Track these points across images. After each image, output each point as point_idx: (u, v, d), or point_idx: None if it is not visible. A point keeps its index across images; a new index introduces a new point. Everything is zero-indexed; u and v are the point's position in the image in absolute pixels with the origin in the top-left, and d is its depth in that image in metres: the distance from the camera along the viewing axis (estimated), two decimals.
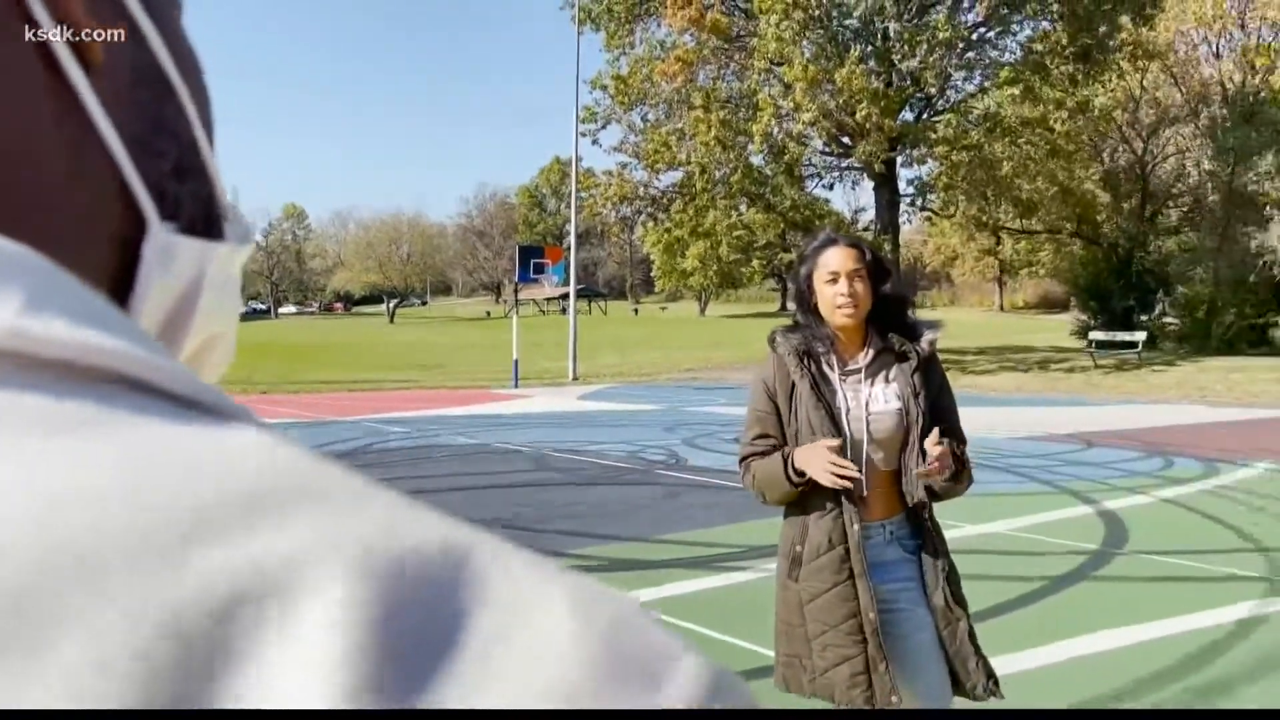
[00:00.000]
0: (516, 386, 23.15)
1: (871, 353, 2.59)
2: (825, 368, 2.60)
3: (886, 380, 2.58)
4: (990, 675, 2.46)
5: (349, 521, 0.22)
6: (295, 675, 0.19)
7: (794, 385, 2.58)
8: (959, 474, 2.48)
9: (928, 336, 2.60)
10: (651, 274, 39.72)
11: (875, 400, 2.56)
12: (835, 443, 2.45)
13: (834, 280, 2.55)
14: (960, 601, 2.49)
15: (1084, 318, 32.95)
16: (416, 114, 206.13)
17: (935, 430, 2.45)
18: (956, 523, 7.20)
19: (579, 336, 26.77)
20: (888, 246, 29.24)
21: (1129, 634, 4.83)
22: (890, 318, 2.62)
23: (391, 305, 73.92)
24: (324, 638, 0.19)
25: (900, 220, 32.62)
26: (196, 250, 0.36)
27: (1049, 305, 60.51)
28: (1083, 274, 34.51)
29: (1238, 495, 8.65)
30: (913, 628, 2.52)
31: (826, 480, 2.43)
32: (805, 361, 2.58)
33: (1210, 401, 19.02)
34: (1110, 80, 29.99)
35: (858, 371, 2.59)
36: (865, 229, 30.59)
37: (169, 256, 0.34)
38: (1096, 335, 28.57)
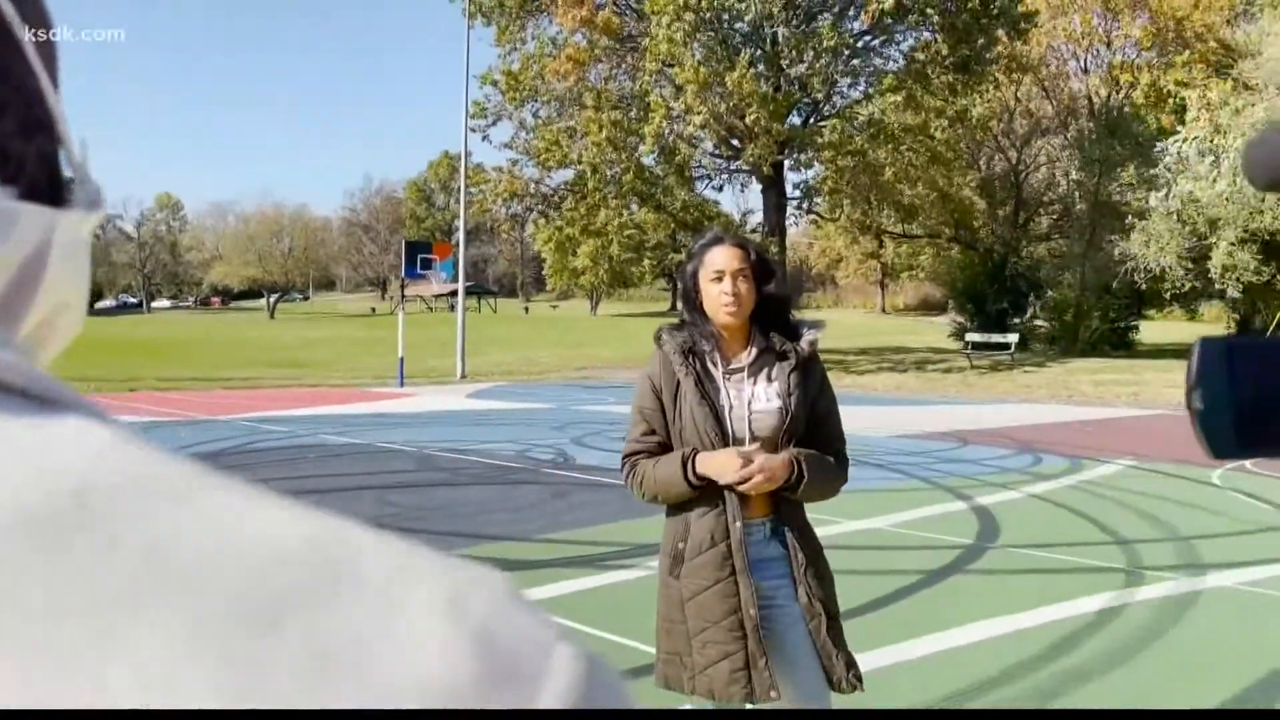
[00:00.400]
0: (402, 385, 22.69)
1: (754, 352, 2.60)
2: (709, 366, 2.60)
3: (768, 379, 2.59)
4: (851, 668, 2.49)
5: (183, 514, 0.22)
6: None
7: (679, 383, 2.58)
8: (797, 484, 2.48)
9: (808, 337, 2.62)
10: (543, 272, 39.52)
11: (757, 399, 2.57)
12: (748, 450, 2.46)
13: (719, 279, 2.56)
14: (822, 598, 2.50)
15: (961, 320, 34.19)
16: (301, 103, 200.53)
17: (783, 452, 2.47)
18: (836, 519, 7.34)
19: (468, 334, 26.42)
20: (775, 248, 29.75)
21: (998, 625, 4.99)
22: (773, 317, 2.64)
23: (272, 300, 71.61)
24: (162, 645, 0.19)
25: (787, 223, 33.23)
26: (40, 217, 0.33)
27: (928, 307, 62.62)
28: (960, 277, 35.81)
29: (1099, 490, 9.07)
30: (790, 623, 2.53)
31: (730, 478, 2.45)
32: (690, 359, 2.58)
33: (1077, 401, 19.96)
34: (987, 91, 31.20)
35: (741, 370, 2.60)
36: (753, 231, 31.06)
37: (8, 224, 0.32)
38: (972, 337, 29.67)
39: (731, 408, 2.57)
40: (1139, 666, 4.46)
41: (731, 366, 2.61)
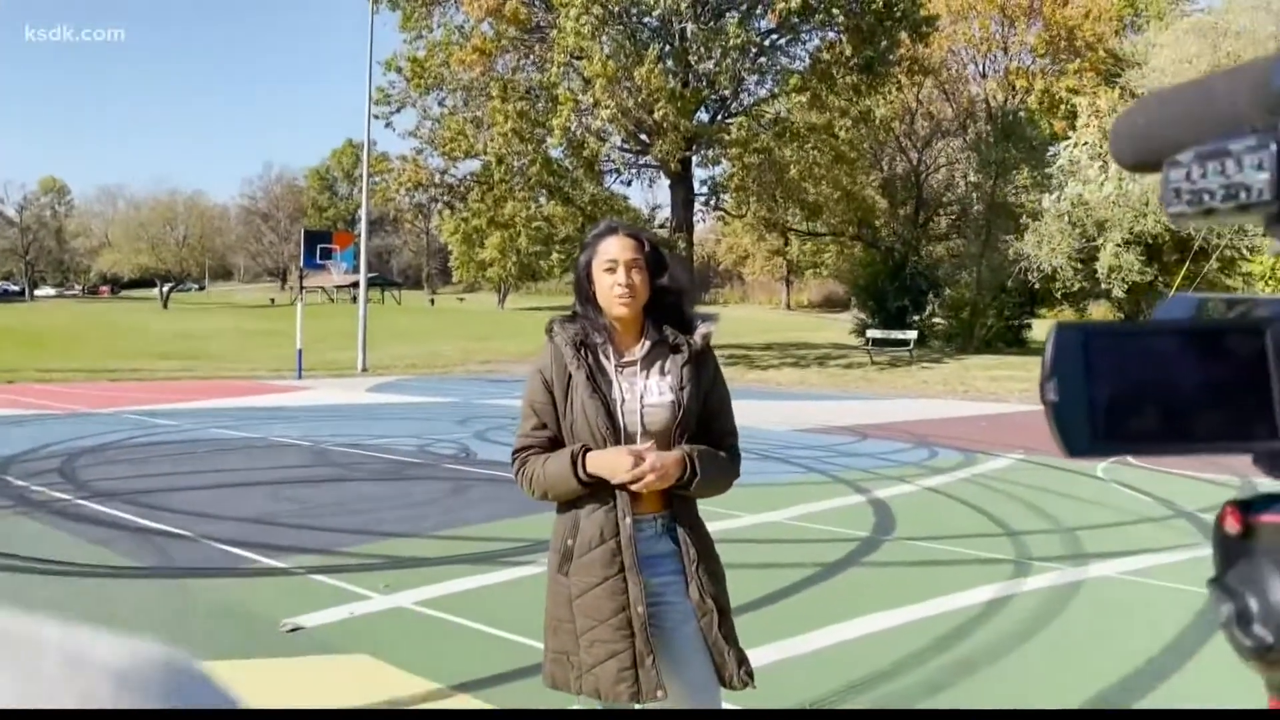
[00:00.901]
0: (300, 378, 22.08)
1: (647, 345, 2.54)
2: (602, 359, 2.53)
3: (661, 372, 2.53)
4: (742, 664, 2.45)
5: None
6: None
7: (570, 376, 2.50)
8: (689, 481, 2.44)
9: (702, 330, 2.57)
10: (449, 264, 38.94)
11: (650, 392, 2.51)
12: (639, 448, 2.39)
13: (612, 269, 2.49)
14: (714, 594, 2.46)
15: (863, 316, 34.88)
16: (196, 85, 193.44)
17: (673, 451, 2.43)
18: (737, 512, 7.37)
19: (370, 326, 25.86)
20: (682, 244, 29.89)
21: (892, 617, 5.05)
22: (667, 310, 2.58)
23: (165, 290, 68.98)
24: None
25: (695, 219, 33.41)
26: None
27: (832, 304, 63.76)
28: (862, 275, 36.52)
29: (991, 483, 9.32)
30: (680, 620, 2.48)
31: (621, 478, 2.39)
32: (582, 352, 2.51)
33: (972, 396, 20.54)
34: (890, 92, 31.87)
35: (634, 363, 2.54)
36: (661, 226, 31.14)
37: None
38: (873, 334, 30.31)
39: (624, 401, 2.50)
40: (1026, 654, 4.56)
41: (624, 360, 2.54)
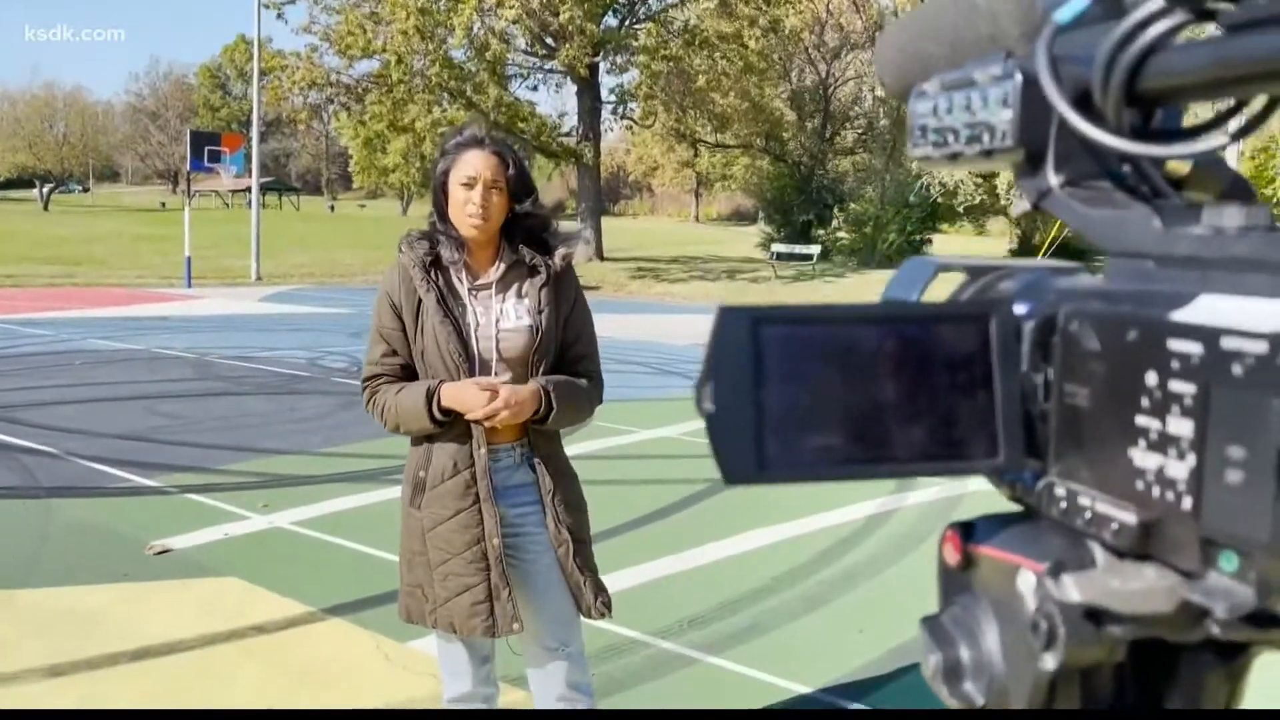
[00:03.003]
0: (189, 286, 21.21)
1: (503, 267, 2.39)
2: (454, 281, 2.38)
3: (518, 296, 2.39)
4: (599, 594, 2.40)
5: None
6: None
7: (420, 300, 2.34)
8: (545, 415, 2.33)
9: (561, 252, 2.43)
10: (349, 169, 37.65)
11: (506, 317, 2.38)
12: (495, 384, 2.27)
13: (470, 185, 2.32)
14: (570, 525, 2.38)
15: (769, 230, 35.04)
16: None
17: (531, 383, 2.33)
18: (631, 428, 7.36)
19: (265, 233, 24.89)
20: (590, 153, 29.39)
21: (776, 532, 5.10)
22: (526, 232, 2.42)
23: (45, 191, 65.20)
24: None
25: (603, 128, 32.80)
26: None
27: (740, 217, 63.88)
28: (769, 188, 36.56)
29: None
30: (538, 552, 2.42)
31: (477, 415, 2.28)
32: (432, 274, 2.35)
33: None
34: (800, 2, 31.47)
35: (488, 286, 2.39)
36: (567, 134, 30.49)
37: None
38: (778, 248, 30.47)
39: (478, 326, 2.37)
40: (907, 567, 4.65)
41: (478, 282, 2.40)
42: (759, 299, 23.13)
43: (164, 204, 60.84)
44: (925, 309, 0.43)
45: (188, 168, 24.04)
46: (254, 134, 24.75)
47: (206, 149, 23.49)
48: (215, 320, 15.17)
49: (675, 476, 6.21)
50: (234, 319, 15.44)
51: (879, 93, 34.98)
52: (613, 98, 31.78)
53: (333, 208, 66.15)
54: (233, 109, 78.37)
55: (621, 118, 33.86)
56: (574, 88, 30.20)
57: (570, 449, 2.48)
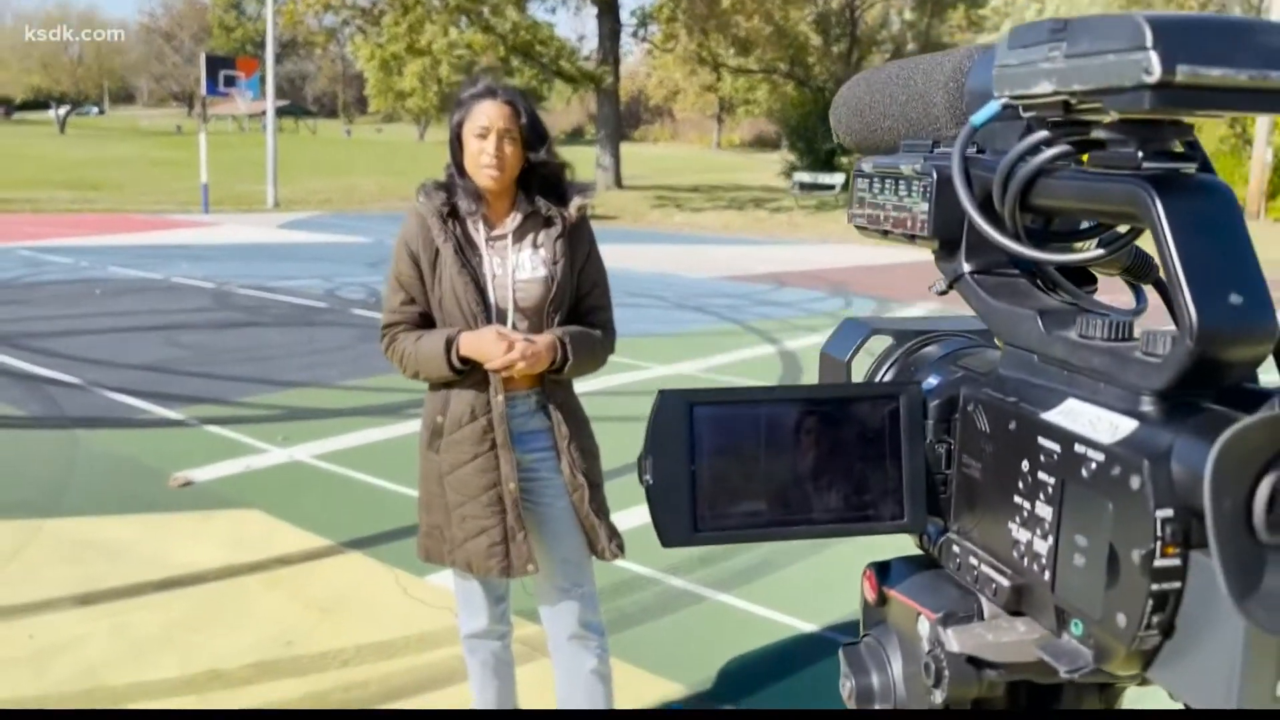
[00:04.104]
0: (206, 212, 21.21)
1: (519, 217, 2.42)
2: (471, 231, 2.40)
3: (534, 246, 2.42)
4: (613, 537, 2.47)
5: None
6: None
7: (437, 250, 2.37)
8: (562, 366, 2.37)
9: (576, 202, 2.44)
10: (365, 92, 37.28)
11: (522, 268, 2.41)
12: (513, 336, 2.31)
13: (483, 135, 2.34)
14: (585, 470, 2.44)
15: (792, 158, 34.56)
16: None
17: (545, 334, 2.36)
18: (647, 363, 7.39)
19: (281, 159, 24.79)
20: (610, 78, 28.96)
21: None
22: (541, 181, 2.43)
23: (62, 113, 64.91)
24: None
25: (623, 52, 32.27)
26: None
27: (764, 144, 62.99)
28: (793, 115, 35.96)
29: None
30: (553, 496, 2.48)
31: (498, 363, 2.31)
32: (449, 224, 2.38)
33: (894, 243, 20.66)
34: None
35: (504, 237, 2.42)
36: (587, 58, 29.99)
37: None
38: (800, 177, 30.09)
39: (495, 277, 2.40)
40: None
41: (495, 232, 2.42)
42: (780, 230, 22.94)
43: (180, 127, 60.55)
44: (841, 390, 0.50)
45: (203, 92, 23.86)
46: (269, 57, 24.45)
47: (222, 73, 23.28)
48: (233, 249, 15.21)
49: None
50: (251, 247, 15.48)
51: (907, 15, 34.18)
52: (633, 20, 31.22)
53: (349, 132, 65.65)
54: (247, 29, 77.34)
55: (642, 40, 33.31)
56: (593, 10, 29.62)
57: (583, 385, 2.52)
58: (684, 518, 0.46)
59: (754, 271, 14.36)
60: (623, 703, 2.80)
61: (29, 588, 3.63)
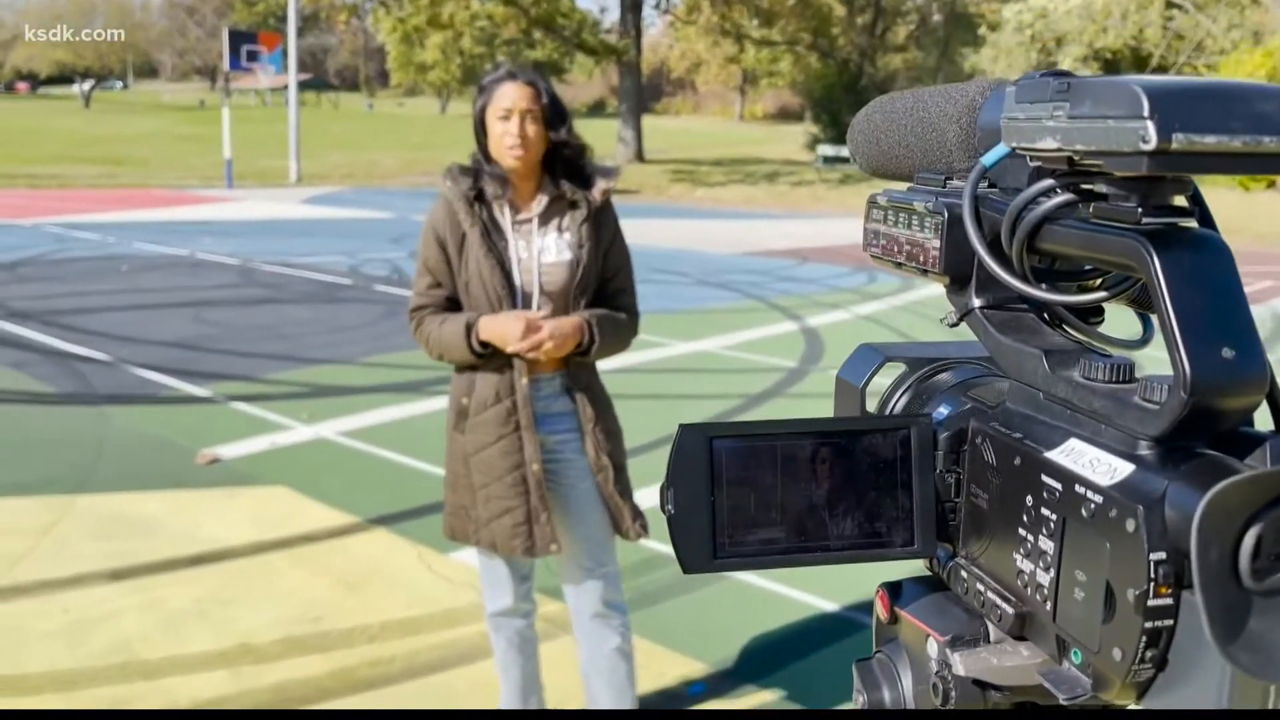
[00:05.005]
0: (230, 188, 21.33)
1: (545, 200, 2.44)
2: (497, 215, 2.43)
3: (559, 230, 2.44)
4: (637, 517, 2.50)
5: None
6: None
7: (464, 234, 2.40)
8: (588, 348, 2.39)
9: (601, 185, 2.46)
10: (387, 66, 37.26)
11: (547, 251, 2.43)
12: (529, 315, 2.34)
13: (506, 118, 2.37)
14: (610, 451, 2.47)
15: (815, 130, 34.29)
16: None
17: (563, 318, 2.38)
18: (668, 340, 7.39)
19: (304, 133, 24.85)
20: (632, 50, 28.78)
21: None
22: (566, 164, 2.45)
23: (86, 88, 65.24)
24: None
25: (645, 24, 32.05)
26: None
27: (786, 116, 62.46)
28: (816, 86, 35.66)
29: (924, 310, 9.42)
30: (576, 477, 2.51)
31: (519, 347, 2.33)
32: (475, 208, 2.41)
33: None
34: None
35: (530, 220, 2.44)
36: (609, 31, 29.80)
37: None
38: (823, 150, 29.87)
39: (520, 260, 2.42)
40: None
41: (520, 216, 2.44)
42: (803, 204, 22.80)
43: (203, 101, 60.69)
44: (854, 423, 0.51)
45: (225, 67, 23.91)
46: (291, 32, 24.45)
47: (244, 48, 23.33)
48: (256, 224, 15.30)
49: (709, 392, 6.26)
50: (275, 223, 15.56)
51: None
52: None
53: (371, 106, 65.65)
54: (269, 3, 77.21)
55: (664, 13, 33.06)
56: None
57: (605, 363, 2.54)
58: (704, 545, 0.48)
59: (776, 247, 14.31)
60: (644, 680, 2.83)
61: (62, 563, 3.71)
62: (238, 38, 24.22)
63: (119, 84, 77.56)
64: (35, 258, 11.06)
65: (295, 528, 4.08)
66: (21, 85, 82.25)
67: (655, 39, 60.59)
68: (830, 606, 3.51)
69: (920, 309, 9.49)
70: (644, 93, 39.57)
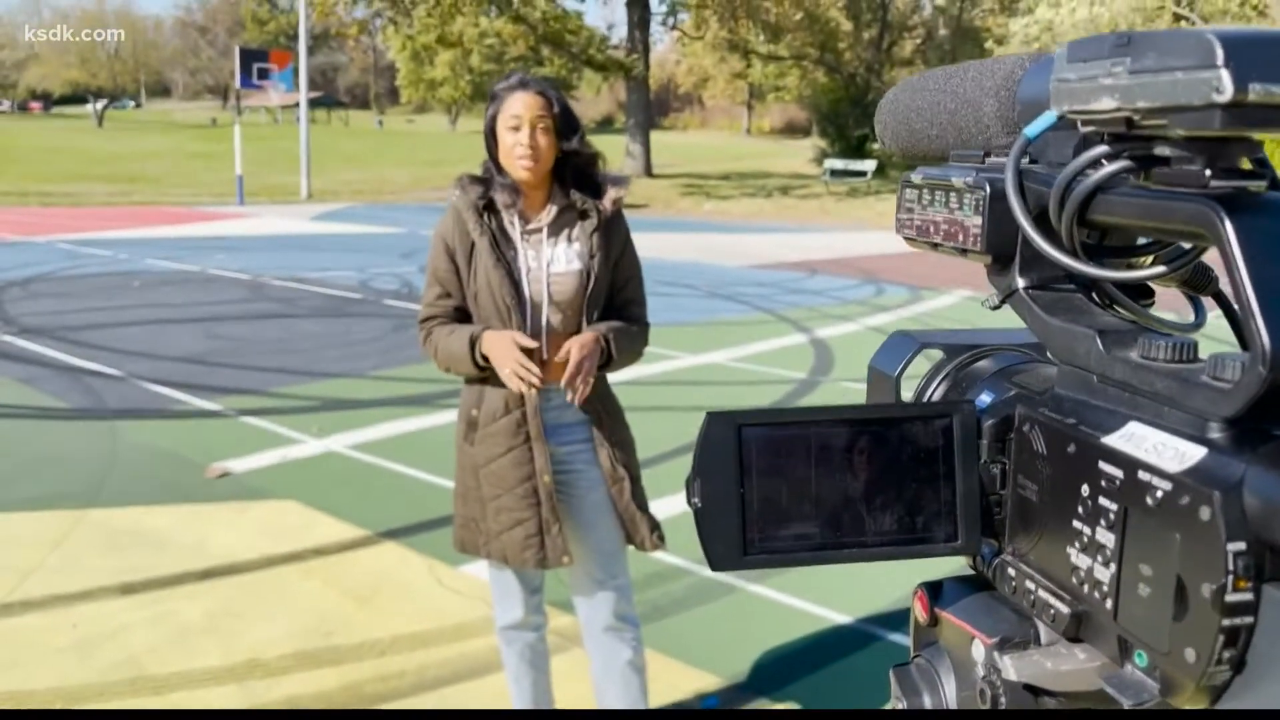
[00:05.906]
0: (241, 204, 21.43)
1: (554, 210, 2.42)
2: (506, 225, 2.41)
3: (569, 240, 2.43)
4: (654, 529, 2.48)
5: None
6: None
7: (473, 244, 2.38)
8: (608, 362, 2.38)
9: (611, 194, 2.44)
10: (397, 83, 37.47)
11: (556, 261, 2.41)
12: (528, 343, 2.30)
13: (516, 127, 2.34)
14: (624, 462, 2.45)
15: (823, 144, 34.33)
16: None
17: (580, 337, 2.35)
18: (678, 353, 7.38)
19: (314, 150, 24.97)
20: (640, 65, 28.89)
21: None
22: (576, 173, 2.43)
23: (99, 107, 65.76)
24: None
25: (653, 40, 32.19)
26: None
27: (793, 131, 62.59)
28: (823, 101, 35.71)
29: (933, 321, 9.39)
30: (587, 488, 2.49)
31: (513, 384, 2.31)
32: (485, 217, 2.39)
33: None
34: None
35: (539, 230, 2.42)
36: (616, 47, 29.92)
37: None
38: (831, 163, 29.88)
39: (529, 270, 2.40)
40: None
41: (530, 226, 2.42)
42: (811, 218, 22.80)
43: (214, 120, 61.11)
44: (893, 410, 0.48)
45: (237, 85, 24.08)
46: (301, 50, 24.61)
47: (255, 66, 23.50)
48: (267, 240, 15.36)
49: (720, 403, 6.24)
50: (286, 239, 15.62)
51: (938, 1, 33.80)
52: (663, 8, 31.12)
53: (381, 122, 65.99)
54: (280, 22, 77.87)
55: (672, 28, 33.20)
56: None
57: (615, 375, 2.52)
58: (733, 541, 0.45)
59: (785, 259, 14.29)
60: (657, 694, 2.80)
61: (72, 577, 3.70)
62: (249, 56, 24.40)
63: (131, 103, 78.19)
64: (47, 274, 11.12)
65: (305, 541, 4.07)
66: (35, 104, 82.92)
67: (663, 54, 60.88)
68: (844, 619, 3.47)
69: (929, 320, 9.46)
70: (652, 108, 39.69)
